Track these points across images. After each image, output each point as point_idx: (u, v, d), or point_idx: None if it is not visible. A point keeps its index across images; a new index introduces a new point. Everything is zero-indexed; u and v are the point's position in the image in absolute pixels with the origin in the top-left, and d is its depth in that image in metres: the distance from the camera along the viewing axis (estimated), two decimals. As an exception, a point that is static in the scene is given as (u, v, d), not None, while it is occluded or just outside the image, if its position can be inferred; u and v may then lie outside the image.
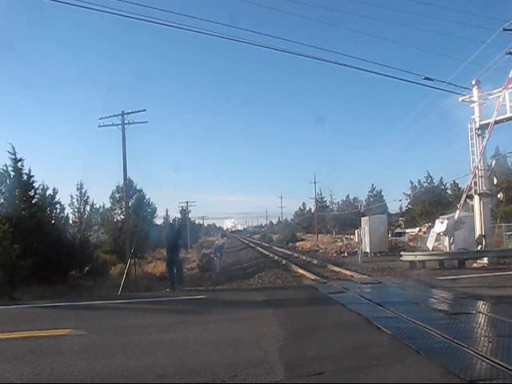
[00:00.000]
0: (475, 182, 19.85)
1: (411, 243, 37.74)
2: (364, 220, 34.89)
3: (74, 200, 32.66)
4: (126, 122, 30.25)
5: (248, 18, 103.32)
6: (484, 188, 19.60)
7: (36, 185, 24.09)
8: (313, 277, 18.92)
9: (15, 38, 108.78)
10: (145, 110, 30.90)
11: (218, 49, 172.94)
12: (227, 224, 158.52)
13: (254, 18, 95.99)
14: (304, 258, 32.31)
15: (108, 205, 41.90)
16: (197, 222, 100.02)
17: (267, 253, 41.27)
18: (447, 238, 20.67)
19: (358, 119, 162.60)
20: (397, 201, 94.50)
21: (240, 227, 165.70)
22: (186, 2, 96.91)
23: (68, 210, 29.89)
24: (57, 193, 25.76)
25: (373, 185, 72.52)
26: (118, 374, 5.10)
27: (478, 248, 19.37)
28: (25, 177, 23.47)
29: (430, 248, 22.40)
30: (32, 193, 23.83)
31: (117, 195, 39.47)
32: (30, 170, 23.65)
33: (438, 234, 21.58)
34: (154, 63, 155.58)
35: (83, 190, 33.04)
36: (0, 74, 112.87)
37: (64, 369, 5.31)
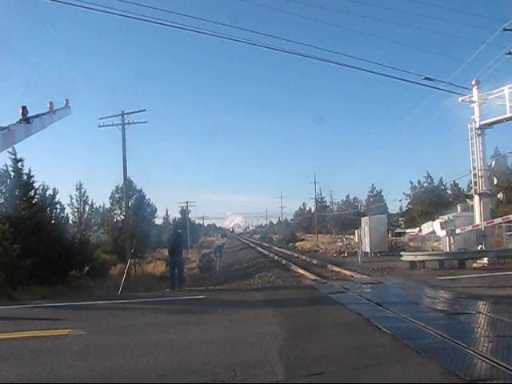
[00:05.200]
0: (475, 182, 19.87)
1: (411, 243, 37.79)
2: (364, 220, 34.89)
3: (74, 200, 32.83)
4: (125, 122, 30.32)
5: (248, 18, 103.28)
6: (484, 188, 19.61)
7: (36, 185, 24.18)
8: (313, 277, 18.92)
9: (15, 38, 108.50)
10: (144, 110, 31.01)
11: (219, 48, 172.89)
12: (234, 221, 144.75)
13: (255, 17, 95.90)
14: (304, 258, 32.32)
15: (108, 205, 42.01)
16: (197, 222, 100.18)
17: (267, 253, 41.26)
18: (447, 239, 20.70)
19: (358, 119, 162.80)
20: (397, 201, 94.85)
21: (250, 227, 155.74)
22: (186, 2, 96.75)
23: (68, 210, 30.02)
24: (57, 193, 25.87)
25: (373, 185, 72.84)
26: (118, 374, 5.10)
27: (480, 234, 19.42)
28: (25, 177, 23.51)
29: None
30: (32, 193, 23.86)
31: (117, 195, 39.53)
32: (30, 171, 23.71)
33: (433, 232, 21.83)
34: (155, 63, 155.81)
35: (82, 191, 33.24)
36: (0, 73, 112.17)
37: (64, 369, 5.31)
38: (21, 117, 12.14)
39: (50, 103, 15.34)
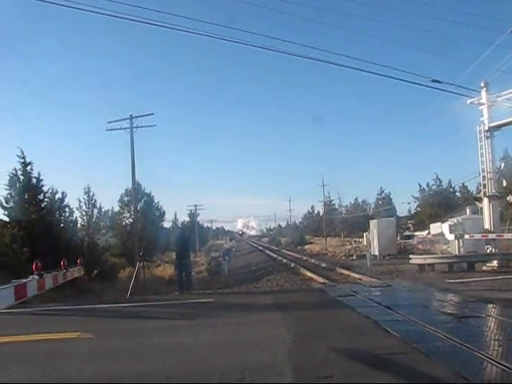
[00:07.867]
0: (484, 185, 19.76)
1: (420, 246, 37.54)
2: (373, 223, 34.74)
3: (82, 204, 32.98)
4: (134, 125, 30.32)
5: (245, 18, 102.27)
6: (493, 190, 19.49)
7: (45, 188, 24.21)
8: (321, 280, 18.87)
9: (15, 37, 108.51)
10: (153, 114, 30.81)
11: (221, 48, 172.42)
12: (248, 223, 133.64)
13: (251, 18, 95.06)
14: (312, 261, 32.26)
15: (117, 208, 42.12)
16: (205, 226, 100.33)
17: (275, 256, 41.22)
18: (456, 242, 20.58)
19: (366, 121, 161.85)
20: (405, 203, 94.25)
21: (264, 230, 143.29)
22: (181, 2, 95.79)
23: (77, 214, 30.15)
24: (66, 196, 25.89)
25: (381, 187, 72.70)
26: (127, 376, 5.12)
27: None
28: (34, 180, 23.60)
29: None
30: (41, 196, 23.94)
31: (125, 199, 39.58)
32: (39, 174, 23.77)
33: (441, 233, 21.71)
34: (157, 63, 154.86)
35: (91, 194, 33.39)
36: (3, 76, 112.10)
37: (73, 372, 5.34)
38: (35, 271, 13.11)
39: (64, 260, 17.34)
